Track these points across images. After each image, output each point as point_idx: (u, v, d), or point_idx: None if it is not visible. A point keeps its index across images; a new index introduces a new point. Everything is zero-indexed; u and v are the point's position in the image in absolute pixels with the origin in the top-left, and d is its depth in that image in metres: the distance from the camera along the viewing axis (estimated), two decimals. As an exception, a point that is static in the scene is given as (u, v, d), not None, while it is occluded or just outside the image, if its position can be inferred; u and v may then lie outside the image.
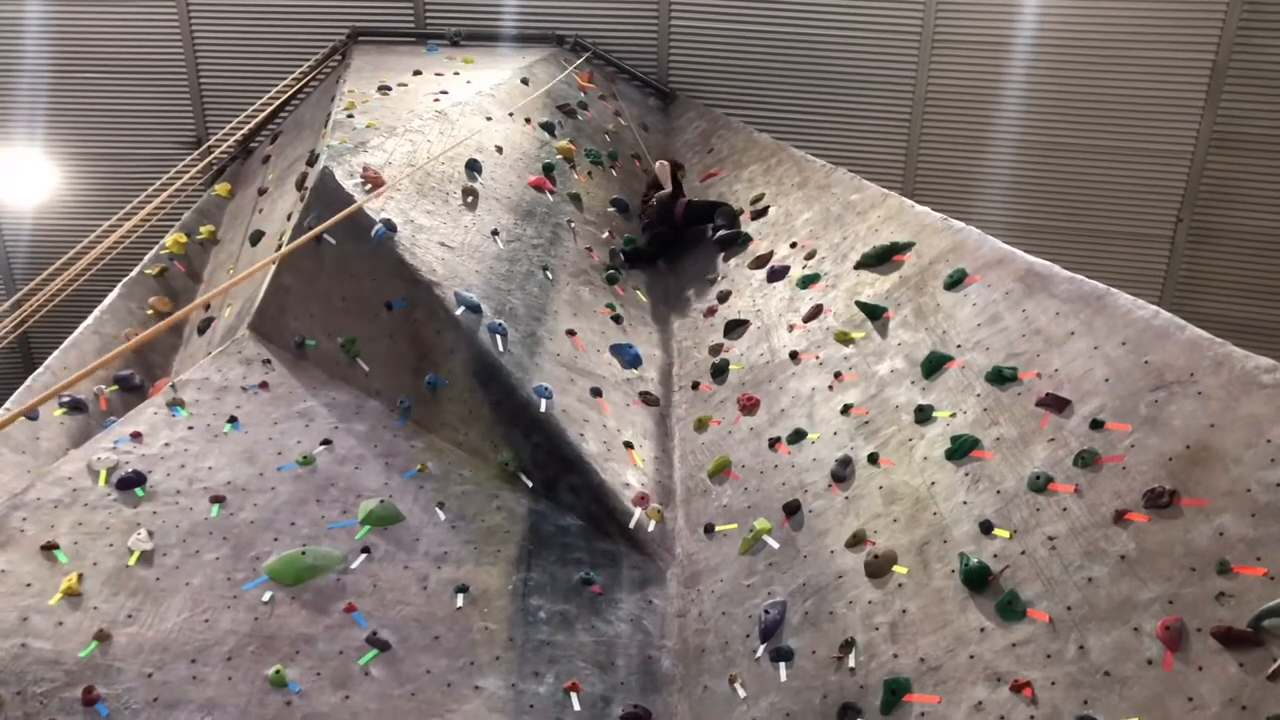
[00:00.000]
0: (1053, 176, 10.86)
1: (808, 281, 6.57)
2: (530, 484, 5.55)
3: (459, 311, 5.88)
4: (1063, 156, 10.77)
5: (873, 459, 4.89)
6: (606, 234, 8.03)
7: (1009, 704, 3.50)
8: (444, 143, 7.34)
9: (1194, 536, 3.48)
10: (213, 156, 10.25)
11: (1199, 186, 10.61)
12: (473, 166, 7.28)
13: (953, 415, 4.76)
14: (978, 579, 3.92)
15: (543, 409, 5.62)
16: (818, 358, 5.87)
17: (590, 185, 8.54)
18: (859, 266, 6.26)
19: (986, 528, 4.11)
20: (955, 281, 5.46)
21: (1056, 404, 4.34)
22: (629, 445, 5.81)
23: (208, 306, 7.50)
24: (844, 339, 5.80)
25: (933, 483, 4.53)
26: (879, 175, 8.78)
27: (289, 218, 6.87)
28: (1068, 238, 10.80)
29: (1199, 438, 3.74)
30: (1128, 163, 10.66)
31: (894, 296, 5.80)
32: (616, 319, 7.03)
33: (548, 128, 8.76)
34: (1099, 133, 10.61)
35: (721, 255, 7.84)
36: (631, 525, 5.33)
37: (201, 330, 7.23)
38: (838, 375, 5.59)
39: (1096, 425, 4.10)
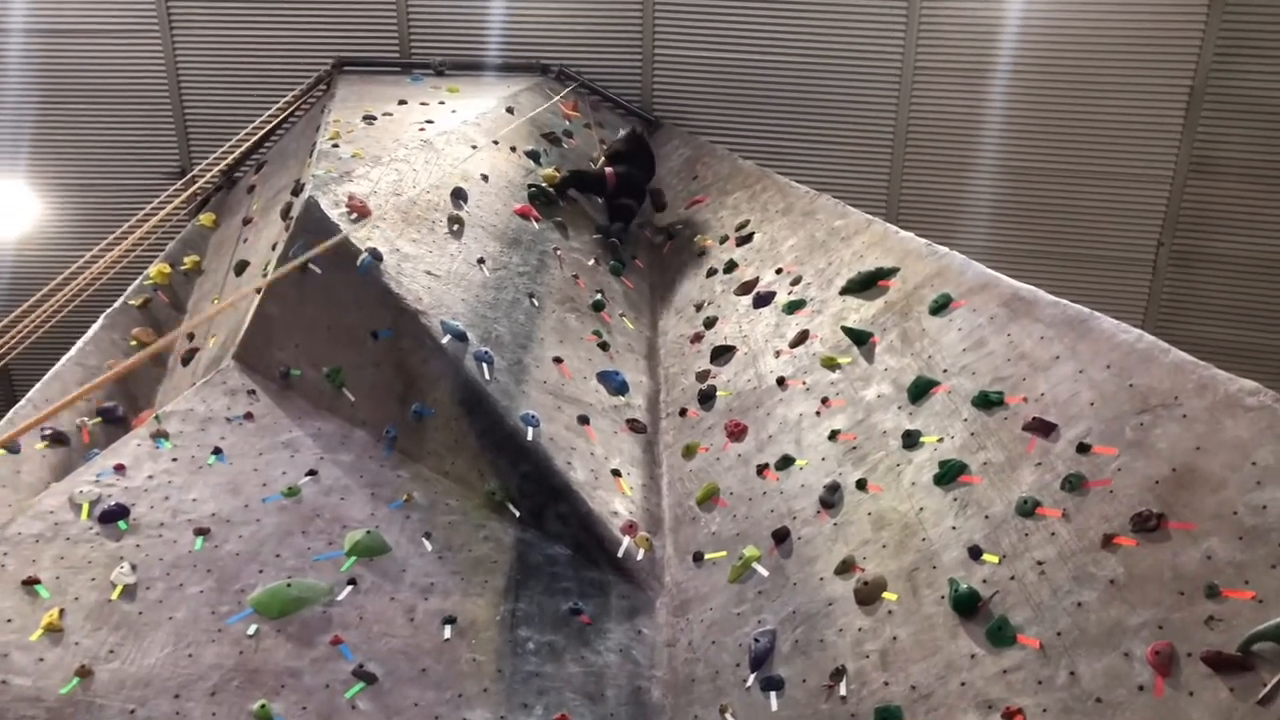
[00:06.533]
0: (1035, 201, 10.94)
1: (794, 307, 6.59)
2: (517, 513, 5.51)
3: (445, 340, 5.86)
4: (1044, 181, 10.86)
5: (861, 485, 4.88)
6: (592, 261, 8.04)
7: (1001, 731, 3.48)
8: (429, 172, 7.35)
9: (1182, 560, 3.48)
10: (197, 186, 10.21)
11: (1179, 211, 10.70)
12: (458, 195, 7.29)
13: (940, 440, 4.76)
14: (967, 605, 3.92)
15: (530, 437, 5.59)
16: (804, 383, 5.87)
17: (576, 213, 8.56)
18: (844, 292, 6.28)
19: (975, 553, 4.10)
20: (940, 306, 5.48)
21: (1043, 428, 4.35)
22: (617, 473, 5.79)
23: (191, 337, 7.46)
24: (830, 364, 5.81)
25: (921, 508, 4.52)
26: (863, 201, 8.81)
27: (274, 247, 6.85)
28: (1051, 262, 10.87)
29: (1185, 461, 3.76)
30: (1109, 187, 10.74)
31: (879, 322, 5.82)
32: (603, 346, 7.02)
33: (533, 156, 8.79)
34: (1080, 158, 10.69)
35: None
36: (620, 554, 5.29)
37: (185, 361, 7.18)
38: (825, 401, 5.59)
39: (1083, 449, 4.11)
